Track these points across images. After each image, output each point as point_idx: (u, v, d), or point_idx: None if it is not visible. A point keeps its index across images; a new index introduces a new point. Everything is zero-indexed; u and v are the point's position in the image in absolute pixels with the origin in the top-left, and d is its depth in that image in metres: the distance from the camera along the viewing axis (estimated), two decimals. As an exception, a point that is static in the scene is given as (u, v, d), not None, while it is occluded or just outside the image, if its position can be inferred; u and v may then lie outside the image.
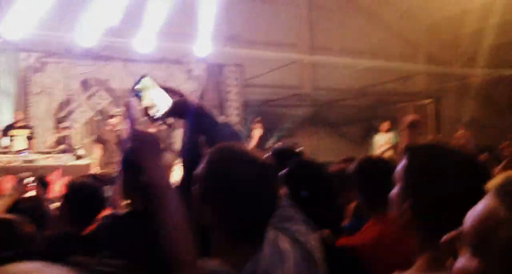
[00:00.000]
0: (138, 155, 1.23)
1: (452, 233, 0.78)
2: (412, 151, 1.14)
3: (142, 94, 1.41)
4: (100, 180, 2.96)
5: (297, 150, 2.51)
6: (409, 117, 2.68)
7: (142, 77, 1.42)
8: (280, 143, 10.76)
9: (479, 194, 0.99)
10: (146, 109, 1.43)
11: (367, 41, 12.65)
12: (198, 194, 1.23)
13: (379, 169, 2.05)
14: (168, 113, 1.46)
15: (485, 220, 0.71)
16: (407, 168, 1.12)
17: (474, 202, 0.99)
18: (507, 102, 14.71)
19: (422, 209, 1.07)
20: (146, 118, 1.48)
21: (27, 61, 9.75)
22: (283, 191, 1.42)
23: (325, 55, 12.02)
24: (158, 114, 1.44)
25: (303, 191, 1.97)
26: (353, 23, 13.06)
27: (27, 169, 5.50)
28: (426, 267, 1.08)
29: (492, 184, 0.77)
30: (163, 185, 1.21)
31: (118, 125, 7.91)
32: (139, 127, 1.26)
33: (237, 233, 1.19)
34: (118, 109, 8.57)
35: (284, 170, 1.96)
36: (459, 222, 0.97)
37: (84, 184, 2.40)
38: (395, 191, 1.16)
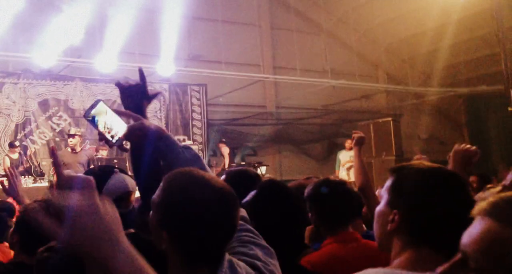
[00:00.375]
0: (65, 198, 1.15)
1: (449, 263, 0.77)
2: (399, 170, 1.26)
3: (97, 119, 1.39)
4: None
5: (253, 172, 2.49)
6: (356, 135, 2.77)
7: (97, 102, 1.41)
8: (243, 163, 10.77)
9: (462, 203, 1.13)
10: (102, 134, 1.41)
11: (328, 61, 12.91)
12: (154, 220, 1.21)
13: (334, 191, 2.06)
14: (125, 138, 1.44)
15: (491, 244, 0.71)
16: (396, 185, 1.23)
17: (457, 210, 1.11)
18: (463, 119, 15.25)
19: (411, 217, 1.17)
20: (103, 143, 1.45)
21: (-16, 81, 9.47)
22: (245, 214, 1.41)
23: (288, 74, 12.18)
24: (115, 139, 1.42)
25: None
26: (315, 44, 13.33)
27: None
28: (407, 265, 1.13)
29: (478, 208, 0.76)
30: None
31: (78, 146, 7.73)
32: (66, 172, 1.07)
33: (194, 258, 1.17)
34: (78, 129, 8.37)
35: (253, 192, 1.94)
36: (442, 226, 1.12)
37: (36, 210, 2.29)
38: (382, 205, 1.25)
